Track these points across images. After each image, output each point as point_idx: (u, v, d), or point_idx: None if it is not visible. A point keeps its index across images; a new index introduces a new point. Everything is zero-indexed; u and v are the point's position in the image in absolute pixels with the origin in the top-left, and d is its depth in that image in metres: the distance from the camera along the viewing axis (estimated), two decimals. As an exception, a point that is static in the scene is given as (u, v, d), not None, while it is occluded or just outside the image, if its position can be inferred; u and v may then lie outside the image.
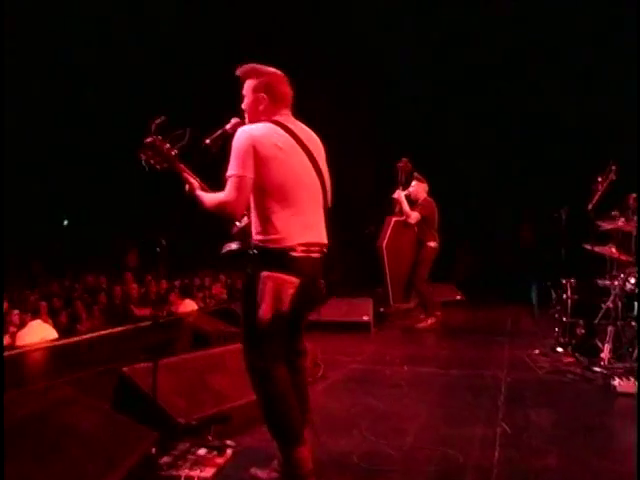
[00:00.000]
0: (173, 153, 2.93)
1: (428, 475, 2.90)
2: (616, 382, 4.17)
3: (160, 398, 3.39)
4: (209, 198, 2.84)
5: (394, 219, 6.98)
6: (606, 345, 4.81)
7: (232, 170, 2.71)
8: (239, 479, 2.89)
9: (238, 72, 2.96)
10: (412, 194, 6.99)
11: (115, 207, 13.05)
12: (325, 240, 2.83)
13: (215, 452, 3.07)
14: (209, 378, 3.80)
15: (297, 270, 2.71)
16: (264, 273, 2.68)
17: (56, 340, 5.89)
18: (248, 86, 2.91)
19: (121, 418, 3.13)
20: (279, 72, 2.91)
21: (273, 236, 2.71)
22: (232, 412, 3.58)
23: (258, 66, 2.92)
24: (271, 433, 2.81)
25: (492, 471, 2.93)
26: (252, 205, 2.78)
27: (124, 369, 3.59)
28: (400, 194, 6.94)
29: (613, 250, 5.32)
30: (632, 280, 4.97)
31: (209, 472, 2.90)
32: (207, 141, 2.98)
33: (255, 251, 2.74)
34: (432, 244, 6.89)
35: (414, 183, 6.99)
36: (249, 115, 2.91)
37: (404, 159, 6.96)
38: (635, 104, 5.47)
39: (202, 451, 3.08)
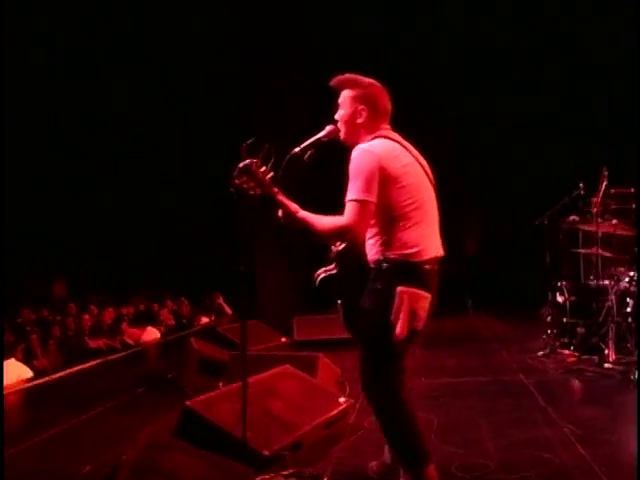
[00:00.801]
0: (268, 177, 2.78)
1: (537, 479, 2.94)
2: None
3: (230, 429, 3.25)
4: (324, 222, 2.71)
5: None
6: (610, 342, 5.10)
7: (355, 194, 2.62)
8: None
9: (333, 82, 2.88)
10: None
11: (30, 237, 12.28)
12: (443, 253, 2.82)
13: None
14: (266, 405, 3.66)
15: (429, 285, 2.69)
16: (400, 288, 2.62)
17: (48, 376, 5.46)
18: (346, 97, 2.84)
19: (213, 457, 2.94)
20: (378, 84, 2.87)
21: (410, 250, 2.66)
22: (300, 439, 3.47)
23: (356, 76, 2.86)
24: (403, 461, 2.73)
25: (594, 469, 3.01)
26: (375, 221, 2.70)
27: (187, 402, 3.40)
28: None
29: (600, 251, 5.66)
30: (626, 279, 5.31)
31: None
32: (296, 150, 2.89)
33: (386, 265, 2.68)
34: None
35: None
36: (346, 127, 2.85)
37: None
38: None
39: (308, 480, 2.95)
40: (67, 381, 5.59)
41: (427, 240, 2.72)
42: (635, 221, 5.54)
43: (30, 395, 5.07)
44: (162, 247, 10.31)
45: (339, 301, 3.10)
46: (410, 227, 2.68)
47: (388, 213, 2.68)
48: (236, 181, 2.74)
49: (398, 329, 2.61)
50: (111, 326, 8.66)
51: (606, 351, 5.10)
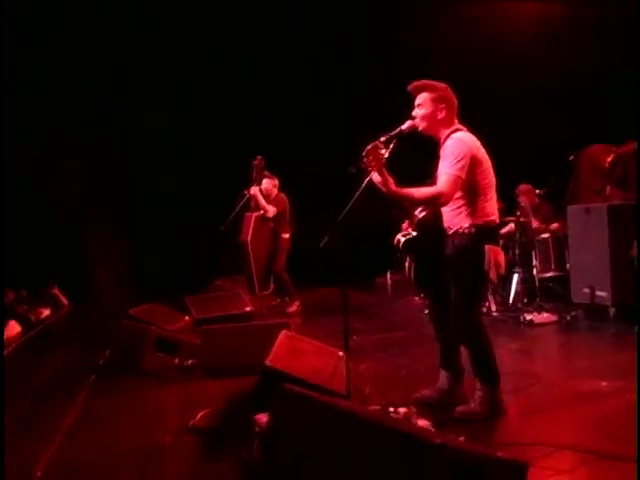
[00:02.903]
0: (384, 157, 3.47)
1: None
2: (532, 317, 5.91)
3: (307, 379, 3.83)
4: (421, 190, 3.54)
5: (254, 215, 7.67)
6: (490, 296, 6.57)
7: (453, 170, 3.47)
8: (452, 421, 3.63)
9: (412, 87, 3.68)
10: (265, 191, 7.77)
11: None
12: None
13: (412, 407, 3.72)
14: (305, 360, 4.23)
15: (499, 242, 3.67)
16: (488, 246, 3.54)
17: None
18: (426, 98, 3.66)
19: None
20: (448, 86, 3.72)
21: (489, 218, 3.61)
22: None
23: (430, 81, 3.71)
24: (483, 377, 3.66)
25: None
26: (462, 194, 3.56)
27: (266, 362, 3.86)
28: (256, 190, 7.65)
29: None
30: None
31: (426, 422, 3.56)
32: (382, 139, 3.61)
33: (474, 229, 3.56)
34: (286, 235, 7.84)
35: (265, 181, 7.80)
36: (428, 122, 3.67)
37: (259, 157, 7.67)
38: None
39: (402, 409, 3.68)
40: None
41: (496, 210, 3.70)
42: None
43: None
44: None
45: (407, 260, 3.92)
46: (488, 200, 3.63)
47: (474, 189, 3.58)
48: (365, 160, 3.40)
49: (492, 275, 3.56)
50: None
51: (487, 303, 6.55)
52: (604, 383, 4.04)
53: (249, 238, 7.62)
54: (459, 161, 3.48)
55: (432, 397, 3.96)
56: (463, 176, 3.49)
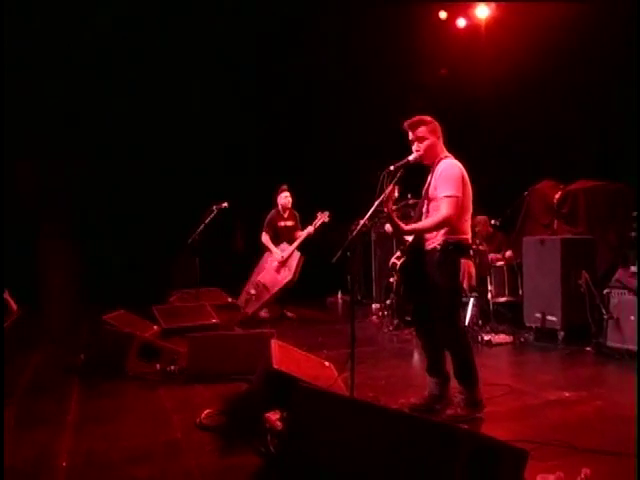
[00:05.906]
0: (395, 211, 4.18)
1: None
2: (489, 337, 6.54)
3: (309, 381, 4.25)
4: (428, 221, 4.16)
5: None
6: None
7: (453, 191, 4.07)
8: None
9: (408, 124, 4.28)
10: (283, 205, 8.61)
11: None
12: None
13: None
14: (301, 367, 4.65)
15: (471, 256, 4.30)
16: (463, 260, 4.15)
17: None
18: (424, 131, 4.25)
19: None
20: (432, 117, 4.33)
21: (464, 236, 4.21)
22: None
23: (422, 116, 4.29)
24: (465, 379, 4.21)
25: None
26: None
27: (274, 365, 4.25)
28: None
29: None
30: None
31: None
32: (391, 167, 4.16)
33: (451, 247, 4.13)
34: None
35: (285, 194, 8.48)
36: (426, 152, 4.26)
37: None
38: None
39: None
40: None
41: (469, 230, 4.31)
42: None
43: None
44: None
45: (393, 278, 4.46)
46: (465, 221, 4.24)
47: (460, 209, 4.13)
48: (386, 206, 3.97)
49: (465, 285, 4.17)
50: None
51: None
52: (567, 394, 4.67)
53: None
54: (456, 182, 4.09)
55: (420, 403, 4.43)
56: (460, 194, 4.09)
